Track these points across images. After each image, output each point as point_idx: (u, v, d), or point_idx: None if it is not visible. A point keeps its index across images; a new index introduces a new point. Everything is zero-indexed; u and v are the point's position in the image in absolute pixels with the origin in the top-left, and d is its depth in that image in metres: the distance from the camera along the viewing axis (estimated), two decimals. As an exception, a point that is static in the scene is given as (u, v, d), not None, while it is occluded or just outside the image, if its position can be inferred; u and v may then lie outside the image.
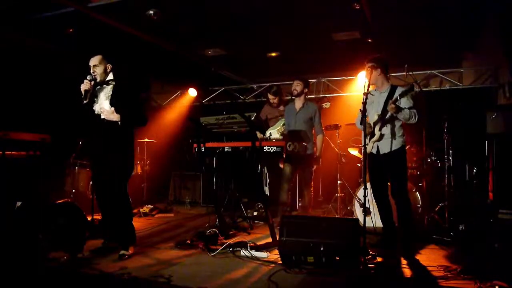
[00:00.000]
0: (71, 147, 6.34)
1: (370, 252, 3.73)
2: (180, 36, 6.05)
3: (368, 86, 3.92)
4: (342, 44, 6.12)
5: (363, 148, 3.84)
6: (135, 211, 6.03)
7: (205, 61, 7.24)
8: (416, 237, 4.29)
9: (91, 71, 3.95)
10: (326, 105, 5.47)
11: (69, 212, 3.93)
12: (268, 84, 7.88)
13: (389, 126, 4.11)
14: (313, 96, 7.69)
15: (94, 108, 3.94)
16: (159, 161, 8.28)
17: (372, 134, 4.18)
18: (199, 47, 6.63)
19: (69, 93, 3.85)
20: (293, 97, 5.43)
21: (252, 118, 4.35)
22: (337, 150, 6.10)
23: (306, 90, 5.35)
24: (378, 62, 4.14)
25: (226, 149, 4.56)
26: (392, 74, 6.75)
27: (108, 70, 4.01)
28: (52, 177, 5.90)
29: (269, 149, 4.36)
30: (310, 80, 7.78)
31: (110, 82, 3.98)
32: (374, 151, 4.20)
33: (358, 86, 7.33)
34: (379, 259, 3.71)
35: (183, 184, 7.83)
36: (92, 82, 3.90)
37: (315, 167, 5.36)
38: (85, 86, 3.86)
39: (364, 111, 3.77)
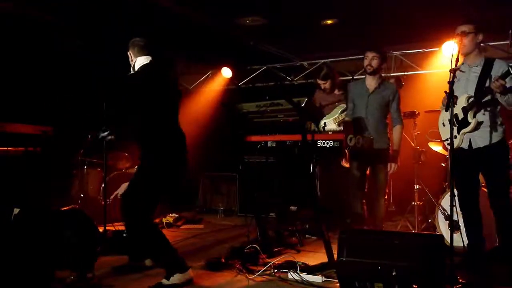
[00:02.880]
0: (79, 142, 6.47)
1: (460, 280, 3.62)
2: (209, 1, 6.08)
3: (457, 61, 3.80)
4: (419, 5, 5.94)
5: (449, 142, 3.72)
6: (156, 220, 6.14)
7: (242, 32, 7.23)
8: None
9: None
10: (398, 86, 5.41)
11: (77, 222, 4.04)
12: (321, 61, 7.79)
13: (487, 111, 3.99)
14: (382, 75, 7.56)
15: None
16: (185, 159, 8.35)
17: (463, 123, 4.06)
18: (234, 14, 6.64)
19: (75, 76, 3.88)
20: (354, 77, 5.34)
21: (303, 105, 4.31)
22: (413, 145, 6.00)
23: (383, 65, 5.28)
24: (478, 26, 4.01)
25: (269, 144, 4.62)
26: (490, 44, 6.56)
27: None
28: (56, 178, 6.10)
29: (324, 143, 4.33)
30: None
31: None
32: (465, 145, 4.11)
33: (442, 61, 7.08)
34: (471, 289, 3.61)
35: (215, 188, 7.94)
36: None
37: (393, 167, 5.16)
38: None
39: (451, 94, 3.68)
